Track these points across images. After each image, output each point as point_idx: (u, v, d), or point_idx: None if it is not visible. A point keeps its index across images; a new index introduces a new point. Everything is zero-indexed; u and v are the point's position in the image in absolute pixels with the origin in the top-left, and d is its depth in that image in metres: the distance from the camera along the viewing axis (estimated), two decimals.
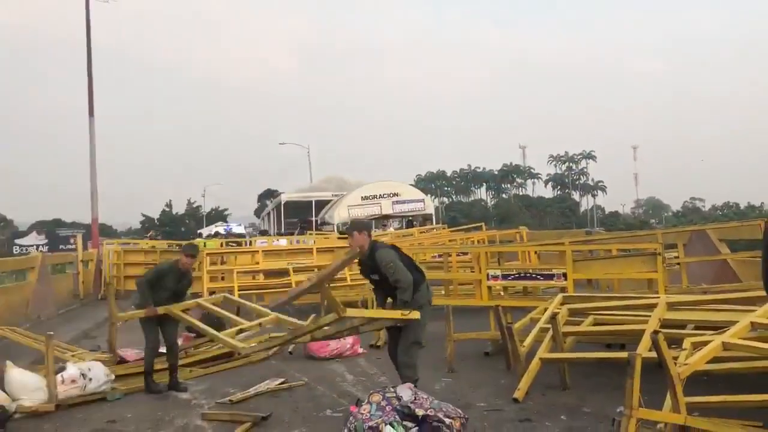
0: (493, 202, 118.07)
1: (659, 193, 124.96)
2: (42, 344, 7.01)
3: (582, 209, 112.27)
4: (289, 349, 8.40)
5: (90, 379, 6.51)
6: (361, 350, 8.30)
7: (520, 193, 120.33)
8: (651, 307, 5.59)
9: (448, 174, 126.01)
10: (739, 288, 6.80)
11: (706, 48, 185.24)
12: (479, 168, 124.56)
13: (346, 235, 6.26)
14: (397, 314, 5.33)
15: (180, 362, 7.88)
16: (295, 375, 7.11)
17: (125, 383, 6.91)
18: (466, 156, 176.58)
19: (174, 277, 6.75)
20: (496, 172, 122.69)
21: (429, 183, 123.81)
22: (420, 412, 4.37)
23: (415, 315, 5.28)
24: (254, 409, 5.72)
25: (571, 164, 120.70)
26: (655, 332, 4.23)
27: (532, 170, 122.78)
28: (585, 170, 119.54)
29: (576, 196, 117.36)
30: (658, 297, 5.78)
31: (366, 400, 4.58)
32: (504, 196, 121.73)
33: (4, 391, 6.10)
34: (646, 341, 4.89)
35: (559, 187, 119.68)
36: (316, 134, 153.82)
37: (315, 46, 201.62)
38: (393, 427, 4.26)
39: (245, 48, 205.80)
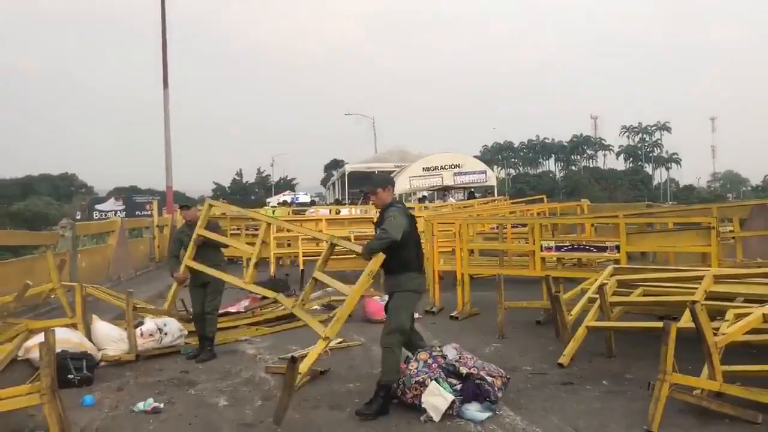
0: (561, 174, 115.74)
1: (738, 166, 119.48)
2: (123, 301, 7.70)
3: (655, 182, 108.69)
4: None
5: (165, 334, 7.10)
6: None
7: (591, 165, 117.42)
8: (699, 279, 5.66)
9: (516, 145, 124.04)
10: None
11: None
12: (548, 139, 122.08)
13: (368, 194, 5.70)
14: (358, 292, 5.07)
15: (246, 321, 8.46)
16: (353, 336, 7.52)
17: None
18: (535, 126, 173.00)
19: (187, 235, 6.97)
20: (566, 144, 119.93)
21: (495, 154, 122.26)
22: (464, 370, 4.67)
23: (378, 259, 4.87)
24: (314, 364, 6.13)
25: (644, 135, 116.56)
26: (693, 302, 4.36)
27: (603, 141, 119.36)
28: (659, 142, 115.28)
29: (649, 168, 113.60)
30: (707, 270, 5.83)
31: (414, 358, 4.91)
32: (573, 168, 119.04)
33: (91, 341, 6.77)
34: (688, 312, 4.99)
35: (631, 159, 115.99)
36: (382, 105, 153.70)
37: (384, 16, 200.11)
38: (438, 382, 4.58)
39: (315, 19, 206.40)
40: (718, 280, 5.64)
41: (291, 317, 8.49)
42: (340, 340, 7.25)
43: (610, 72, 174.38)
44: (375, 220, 5.49)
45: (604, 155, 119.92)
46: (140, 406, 5.08)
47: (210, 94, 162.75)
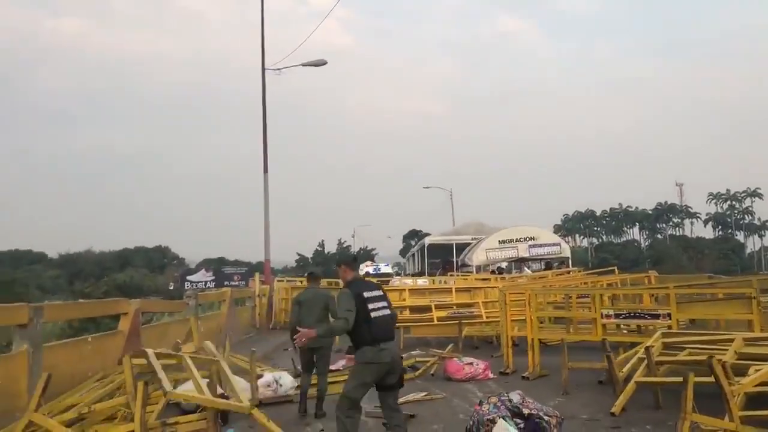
0: (646, 243, 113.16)
1: None
2: (243, 361, 9.34)
3: (748, 250, 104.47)
4: (431, 372, 10.04)
5: (281, 385, 8.61)
6: (492, 375, 9.77)
7: (677, 234, 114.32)
8: (731, 341, 6.67)
9: (598, 213, 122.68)
10: None
11: None
12: (631, 207, 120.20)
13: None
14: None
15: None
16: (436, 391, 8.75)
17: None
18: (617, 194, 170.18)
19: None
20: (650, 212, 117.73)
21: (577, 223, 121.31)
22: (526, 411, 5.86)
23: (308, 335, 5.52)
24: (404, 410, 7.40)
25: (733, 203, 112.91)
26: (710, 357, 5.45)
27: (689, 209, 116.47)
28: (750, 209, 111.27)
29: (740, 236, 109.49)
30: (737, 334, 6.82)
31: (486, 401, 6.15)
32: (659, 236, 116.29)
33: None
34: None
35: (720, 227, 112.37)
36: (461, 176, 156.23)
37: (463, 89, 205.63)
38: (505, 420, 5.79)
39: (396, 93, 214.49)
40: (748, 343, 6.62)
41: None
42: (425, 393, 8.50)
43: (694, 138, 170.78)
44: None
45: (692, 223, 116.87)
46: None
47: (292, 166, 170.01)
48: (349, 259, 6.05)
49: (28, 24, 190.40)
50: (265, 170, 21.34)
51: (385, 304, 5.57)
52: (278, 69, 22.02)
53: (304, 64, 22.29)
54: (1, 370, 6.57)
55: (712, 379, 5.66)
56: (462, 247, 26.81)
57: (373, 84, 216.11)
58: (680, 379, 7.08)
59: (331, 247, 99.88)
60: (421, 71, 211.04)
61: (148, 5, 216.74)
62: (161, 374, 5.99)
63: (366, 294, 5.50)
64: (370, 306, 5.45)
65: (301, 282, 22.07)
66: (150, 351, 6.55)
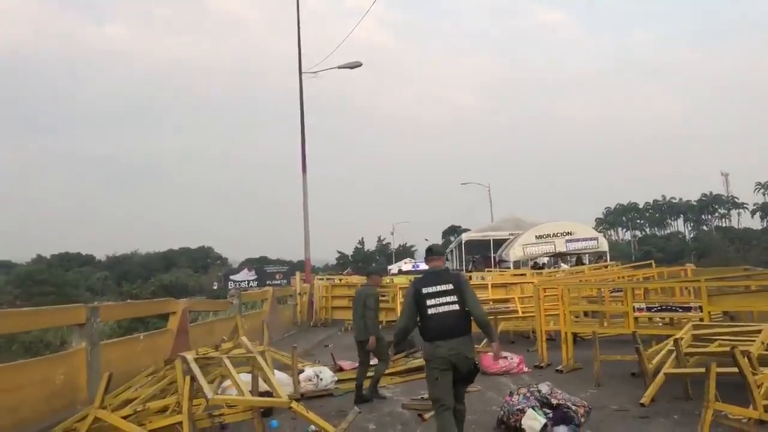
0: (691, 235, 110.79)
1: None
2: (285, 357, 9.74)
3: None
4: None
5: (321, 379, 8.98)
6: (526, 369, 9.98)
7: (723, 225, 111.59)
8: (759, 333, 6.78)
9: (641, 206, 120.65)
10: None
11: None
12: (674, 198, 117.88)
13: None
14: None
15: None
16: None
17: (344, 385, 9.28)
18: (661, 186, 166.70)
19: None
20: (694, 203, 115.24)
21: (620, 216, 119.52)
22: (554, 401, 6.11)
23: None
24: None
25: None
26: (733, 348, 5.62)
27: (735, 200, 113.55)
28: None
29: None
30: (765, 325, 6.92)
31: (516, 392, 6.41)
32: (704, 228, 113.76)
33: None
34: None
35: None
36: (499, 171, 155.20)
37: (500, 82, 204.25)
38: (534, 410, 6.04)
39: (433, 87, 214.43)
40: None
41: (420, 369, 10.13)
42: None
43: (739, 125, 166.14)
44: None
45: (738, 214, 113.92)
46: (312, 428, 6.86)
47: (331, 163, 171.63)
48: (426, 252, 5.93)
49: (75, 30, 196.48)
50: (304, 171, 21.80)
51: (451, 298, 5.34)
52: (314, 72, 22.46)
53: (339, 67, 22.67)
54: (64, 366, 7.09)
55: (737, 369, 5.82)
56: (499, 243, 26.88)
57: (411, 80, 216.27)
58: (700, 370, 7.27)
59: (370, 245, 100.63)
60: (459, 65, 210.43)
61: (188, 10, 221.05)
62: (202, 381, 6.37)
63: (426, 290, 5.38)
64: (429, 302, 5.31)
65: (340, 280, 22.63)
66: (190, 356, 6.94)
